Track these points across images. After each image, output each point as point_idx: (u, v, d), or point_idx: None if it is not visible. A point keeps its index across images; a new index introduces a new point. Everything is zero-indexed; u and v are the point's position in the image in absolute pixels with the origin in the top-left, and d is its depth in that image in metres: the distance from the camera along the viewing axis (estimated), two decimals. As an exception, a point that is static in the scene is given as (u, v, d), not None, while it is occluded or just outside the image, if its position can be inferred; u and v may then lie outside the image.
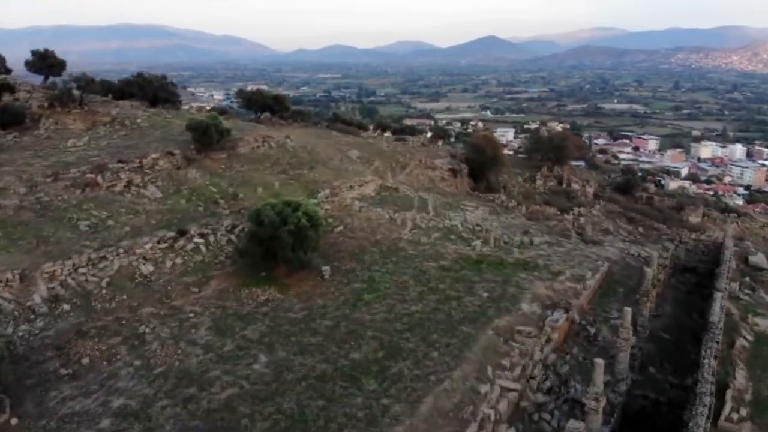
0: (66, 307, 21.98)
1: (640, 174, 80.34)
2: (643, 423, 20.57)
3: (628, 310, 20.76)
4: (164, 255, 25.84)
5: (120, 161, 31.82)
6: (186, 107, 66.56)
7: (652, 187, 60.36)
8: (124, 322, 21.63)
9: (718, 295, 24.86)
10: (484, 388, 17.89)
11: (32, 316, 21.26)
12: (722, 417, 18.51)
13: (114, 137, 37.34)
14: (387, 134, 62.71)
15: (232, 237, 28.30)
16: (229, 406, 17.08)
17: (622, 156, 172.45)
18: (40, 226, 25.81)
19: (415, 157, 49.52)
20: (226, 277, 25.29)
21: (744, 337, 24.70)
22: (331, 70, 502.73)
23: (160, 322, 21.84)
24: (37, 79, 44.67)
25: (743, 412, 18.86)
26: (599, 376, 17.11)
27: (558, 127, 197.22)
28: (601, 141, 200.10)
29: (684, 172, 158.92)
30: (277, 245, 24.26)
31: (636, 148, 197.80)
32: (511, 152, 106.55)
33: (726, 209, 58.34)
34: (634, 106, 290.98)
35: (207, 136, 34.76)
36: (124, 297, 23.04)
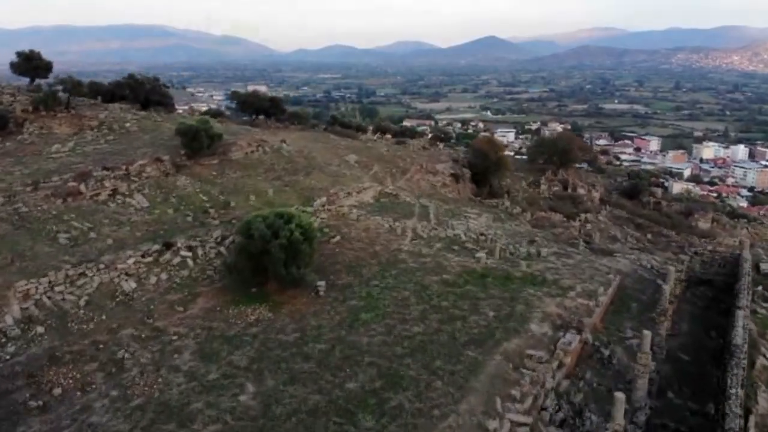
0: (40, 329, 20.36)
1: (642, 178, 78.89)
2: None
3: (647, 334, 19.12)
4: (148, 270, 24.22)
5: (105, 168, 30.21)
6: (183, 109, 65.13)
7: (659, 192, 58.77)
8: (101, 346, 20.01)
9: (739, 313, 23.20)
10: (492, 424, 16.25)
11: (3, 340, 19.65)
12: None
13: (101, 142, 35.72)
14: (387, 136, 61.09)
15: (222, 249, 26.69)
16: (211, 445, 15.48)
17: (623, 157, 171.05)
18: (16, 240, 24.18)
19: (415, 161, 47.91)
20: (213, 293, 23.67)
21: (764, 356, 23.10)
22: (331, 71, 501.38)
23: (140, 345, 20.23)
24: (24, 82, 43.03)
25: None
26: (619, 411, 15.56)
27: (559, 127, 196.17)
28: (602, 142, 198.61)
29: (686, 173, 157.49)
30: (268, 261, 22.64)
31: (638, 149, 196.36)
32: (512, 153, 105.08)
33: (735, 214, 56.71)
34: (635, 107, 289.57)
35: (197, 141, 33.17)
36: (103, 317, 21.41)
